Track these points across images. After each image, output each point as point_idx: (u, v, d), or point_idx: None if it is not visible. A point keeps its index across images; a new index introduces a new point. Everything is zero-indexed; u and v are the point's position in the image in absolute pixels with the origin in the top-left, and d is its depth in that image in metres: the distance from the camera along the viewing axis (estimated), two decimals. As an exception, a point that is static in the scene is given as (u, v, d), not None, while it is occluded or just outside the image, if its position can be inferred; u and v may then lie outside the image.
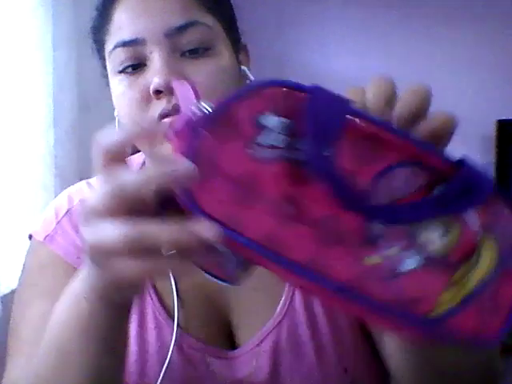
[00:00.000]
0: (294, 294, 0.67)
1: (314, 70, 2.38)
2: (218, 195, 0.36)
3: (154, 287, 0.68)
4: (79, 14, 1.21)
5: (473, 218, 0.39)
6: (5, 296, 0.95)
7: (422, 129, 0.39)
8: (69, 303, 0.47)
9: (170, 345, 0.64)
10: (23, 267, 0.72)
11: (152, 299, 0.68)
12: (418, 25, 2.33)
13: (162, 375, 0.63)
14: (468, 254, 0.39)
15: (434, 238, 0.38)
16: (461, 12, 2.28)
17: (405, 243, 0.38)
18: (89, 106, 1.25)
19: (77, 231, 0.70)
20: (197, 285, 0.67)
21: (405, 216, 0.38)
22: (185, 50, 0.63)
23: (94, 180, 0.77)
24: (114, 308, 0.45)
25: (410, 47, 2.34)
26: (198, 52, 0.63)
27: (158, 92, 0.62)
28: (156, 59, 0.62)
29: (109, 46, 0.66)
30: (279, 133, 0.37)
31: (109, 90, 0.70)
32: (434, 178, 0.39)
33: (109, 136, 0.39)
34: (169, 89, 0.61)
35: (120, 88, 0.65)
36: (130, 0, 0.65)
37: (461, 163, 0.39)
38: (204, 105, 0.37)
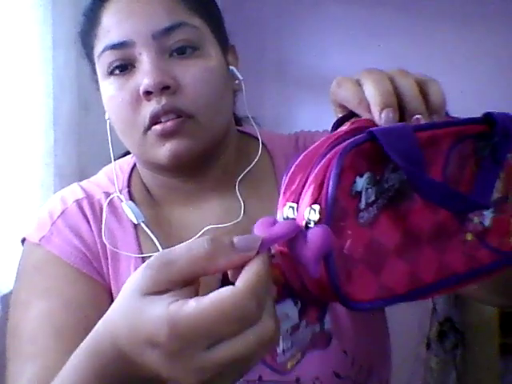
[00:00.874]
0: None
1: (313, 70, 2.38)
2: (360, 280, 0.38)
3: None
4: (79, 14, 1.21)
5: None
6: (5, 296, 0.95)
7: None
8: None
9: None
10: (18, 270, 0.71)
11: None
12: (417, 25, 2.33)
13: None
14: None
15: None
16: (461, 12, 2.28)
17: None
18: (88, 106, 1.25)
19: (72, 231, 0.70)
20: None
21: (483, 199, 0.44)
22: (172, 49, 0.64)
23: (85, 183, 0.76)
24: None
25: (409, 47, 2.34)
26: (185, 52, 0.64)
27: (147, 93, 0.62)
28: (145, 61, 0.63)
29: (98, 49, 0.66)
30: (369, 189, 0.39)
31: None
32: (474, 140, 0.44)
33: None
34: (158, 89, 0.62)
35: (110, 90, 0.66)
36: (118, 4, 0.66)
37: (489, 117, 0.44)
38: (311, 212, 0.37)
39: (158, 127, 0.63)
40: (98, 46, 0.66)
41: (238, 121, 0.82)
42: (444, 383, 2.06)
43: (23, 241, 0.73)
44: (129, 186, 0.75)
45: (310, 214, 0.37)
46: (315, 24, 2.36)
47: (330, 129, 0.46)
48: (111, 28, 0.65)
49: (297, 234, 0.37)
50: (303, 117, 2.47)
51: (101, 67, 0.67)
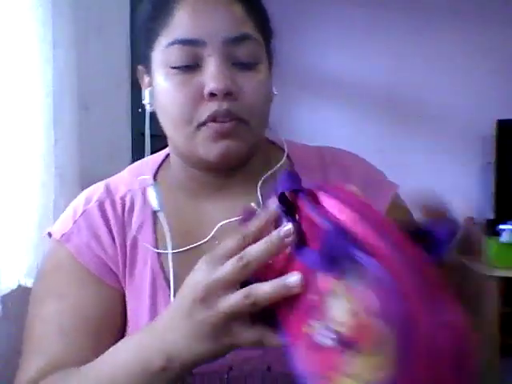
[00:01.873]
0: None
1: (313, 70, 2.39)
2: None
3: (166, 278, 0.71)
4: (79, 14, 1.21)
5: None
6: (5, 296, 0.96)
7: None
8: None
9: None
10: (41, 265, 0.76)
11: (163, 290, 0.70)
12: (418, 26, 2.33)
13: None
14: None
15: (340, 313, 0.39)
16: (461, 13, 2.28)
17: (321, 316, 0.41)
18: (88, 106, 1.25)
19: (91, 232, 0.73)
20: None
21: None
22: (237, 61, 0.68)
23: (110, 180, 0.78)
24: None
25: (410, 48, 2.35)
26: (247, 64, 0.69)
27: (212, 95, 0.66)
28: (213, 64, 0.66)
29: (166, 39, 0.68)
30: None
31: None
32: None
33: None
34: (223, 94, 0.66)
35: (169, 83, 0.68)
36: (194, 2, 0.68)
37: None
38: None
39: (215, 124, 0.67)
40: (168, 37, 0.68)
41: None
42: None
43: (50, 235, 0.76)
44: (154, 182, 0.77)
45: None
46: (316, 25, 2.36)
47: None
48: (185, 23, 0.67)
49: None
50: (303, 117, 2.47)
51: (164, 58, 0.69)
